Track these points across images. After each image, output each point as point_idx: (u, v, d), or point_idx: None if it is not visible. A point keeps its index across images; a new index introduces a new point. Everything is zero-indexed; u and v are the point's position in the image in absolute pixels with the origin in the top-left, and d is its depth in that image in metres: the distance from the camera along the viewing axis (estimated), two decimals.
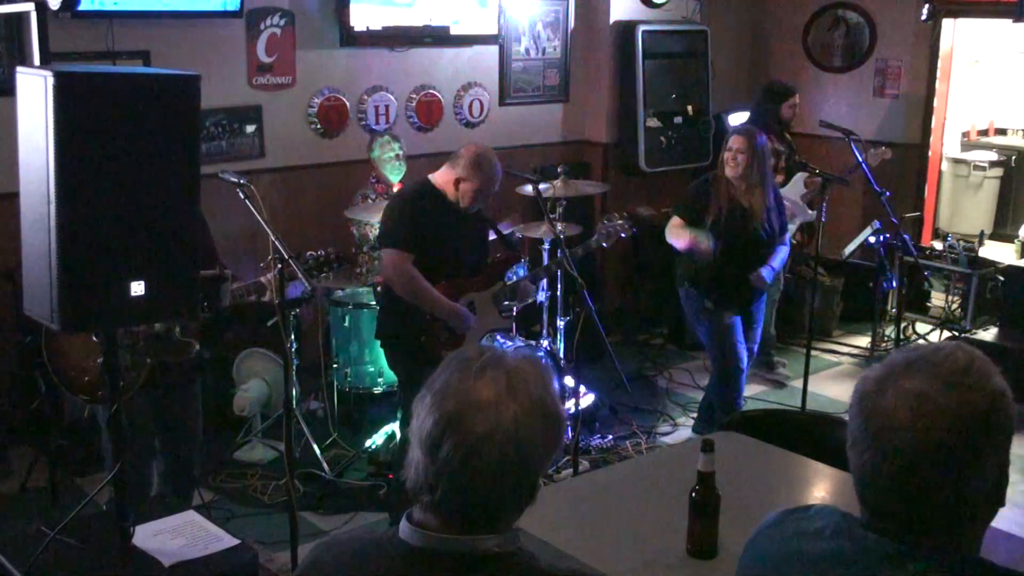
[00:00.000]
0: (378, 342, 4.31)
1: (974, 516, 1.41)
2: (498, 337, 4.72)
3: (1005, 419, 1.38)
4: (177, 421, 3.71)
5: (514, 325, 5.01)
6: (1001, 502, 1.43)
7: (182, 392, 3.68)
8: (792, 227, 5.79)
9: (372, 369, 5.05)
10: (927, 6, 6.71)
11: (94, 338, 3.24)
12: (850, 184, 5.85)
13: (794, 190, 5.92)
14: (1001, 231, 7.99)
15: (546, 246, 5.00)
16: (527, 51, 6.69)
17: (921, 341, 6.61)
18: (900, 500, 1.40)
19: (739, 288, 4.79)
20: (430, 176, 4.12)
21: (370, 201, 5.18)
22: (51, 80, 2.25)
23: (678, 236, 4.74)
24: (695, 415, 5.29)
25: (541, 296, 5.14)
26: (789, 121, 6.14)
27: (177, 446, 3.75)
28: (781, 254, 4.88)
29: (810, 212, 5.89)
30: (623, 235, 4.89)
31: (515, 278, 4.56)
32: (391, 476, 4.46)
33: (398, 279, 3.97)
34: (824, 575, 1.47)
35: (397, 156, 5.28)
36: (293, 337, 4.52)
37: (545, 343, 5.09)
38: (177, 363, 3.56)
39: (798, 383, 5.60)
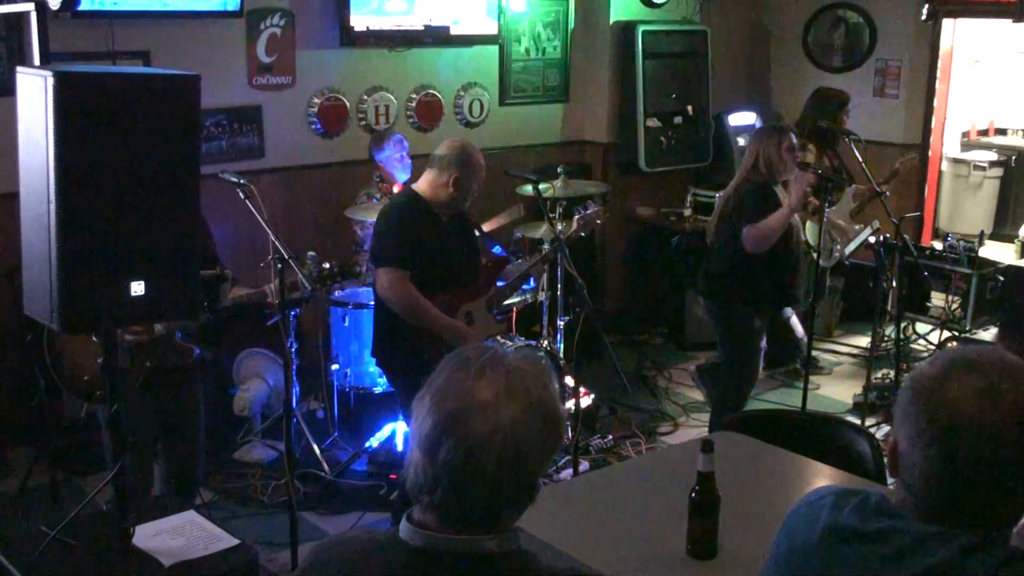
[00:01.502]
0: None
1: None
2: (497, 337, 4.72)
3: None
4: (178, 422, 3.71)
5: (514, 325, 5.02)
6: None
7: (183, 393, 3.68)
8: (851, 247, 5.72)
9: (372, 369, 5.04)
10: (927, 6, 6.71)
11: (94, 339, 3.26)
12: (845, 184, 5.81)
13: (843, 208, 5.70)
14: (1001, 231, 7.99)
15: (546, 246, 4.99)
16: (527, 51, 6.68)
17: (922, 341, 6.62)
18: (974, 494, 1.42)
19: (783, 290, 4.67)
20: (414, 186, 4.03)
21: (375, 200, 5.18)
22: (51, 80, 2.26)
23: (769, 229, 4.42)
24: (695, 415, 5.28)
25: (541, 296, 5.15)
26: (836, 132, 5.74)
27: (179, 447, 3.75)
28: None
29: (857, 227, 5.73)
30: (599, 221, 4.89)
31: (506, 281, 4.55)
32: (393, 476, 4.46)
33: (396, 298, 3.85)
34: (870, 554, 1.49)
35: (407, 155, 5.28)
36: (293, 337, 4.52)
37: (545, 343, 5.08)
38: (178, 366, 3.56)
39: (799, 383, 5.60)
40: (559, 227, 4.81)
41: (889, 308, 6.34)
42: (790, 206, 4.41)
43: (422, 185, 3.98)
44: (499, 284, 4.35)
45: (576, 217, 4.90)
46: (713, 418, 5.01)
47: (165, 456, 3.77)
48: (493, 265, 4.34)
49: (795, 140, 4.53)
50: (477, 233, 4.30)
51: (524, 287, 4.92)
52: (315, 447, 4.78)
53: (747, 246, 4.48)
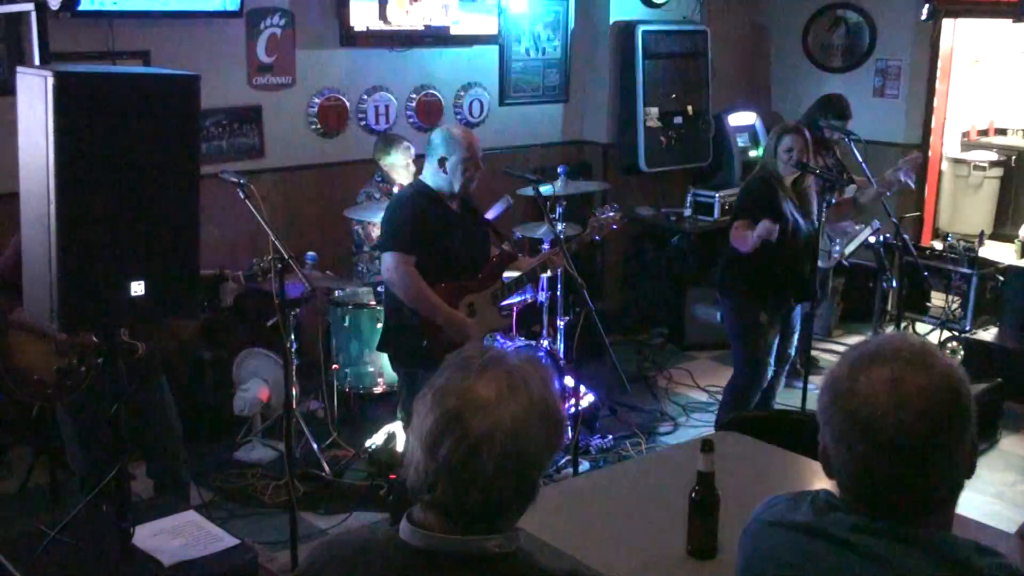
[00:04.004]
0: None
1: (958, 489, 1.49)
2: (498, 337, 4.72)
3: (968, 391, 1.45)
4: (147, 419, 3.69)
5: (514, 325, 5.01)
6: (971, 472, 1.49)
7: (143, 390, 3.65)
8: (852, 246, 5.70)
9: (372, 369, 5.05)
10: (927, 6, 6.71)
11: (49, 339, 3.24)
12: (848, 183, 5.80)
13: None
14: (1001, 231, 7.99)
15: (546, 246, 4.99)
16: (527, 51, 6.69)
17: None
18: (901, 486, 1.44)
19: (791, 288, 4.68)
20: (421, 177, 4.10)
21: (375, 199, 5.18)
22: (51, 80, 2.26)
23: (746, 238, 4.46)
24: (695, 415, 5.26)
25: (541, 296, 5.14)
26: (830, 141, 5.70)
27: (152, 443, 3.74)
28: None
29: (858, 227, 5.73)
30: (615, 226, 4.77)
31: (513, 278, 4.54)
32: (393, 476, 4.46)
33: (400, 281, 3.91)
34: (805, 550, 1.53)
35: (412, 162, 5.27)
36: (293, 337, 4.52)
37: (545, 343, 5.08)
38: (127, 363, 3.52)
39: (799, 383, 5.59)
40: (560, 227, 4.80)
41: (889, 308, 6.34)
42: (757, 235, 4.38)
43: (425, 176, 4.05)
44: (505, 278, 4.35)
45: (591, 220, 4.81)
46: (720, 415, 5.02)
47: (145, 456, 3.76)
48: (501, 258, 4.33)
49: (796, 142, 4.51)
50: (488, 226, 4.32)
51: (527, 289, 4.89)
52: (315, 447, 4.78)
53: (731, 241, 4.56)
